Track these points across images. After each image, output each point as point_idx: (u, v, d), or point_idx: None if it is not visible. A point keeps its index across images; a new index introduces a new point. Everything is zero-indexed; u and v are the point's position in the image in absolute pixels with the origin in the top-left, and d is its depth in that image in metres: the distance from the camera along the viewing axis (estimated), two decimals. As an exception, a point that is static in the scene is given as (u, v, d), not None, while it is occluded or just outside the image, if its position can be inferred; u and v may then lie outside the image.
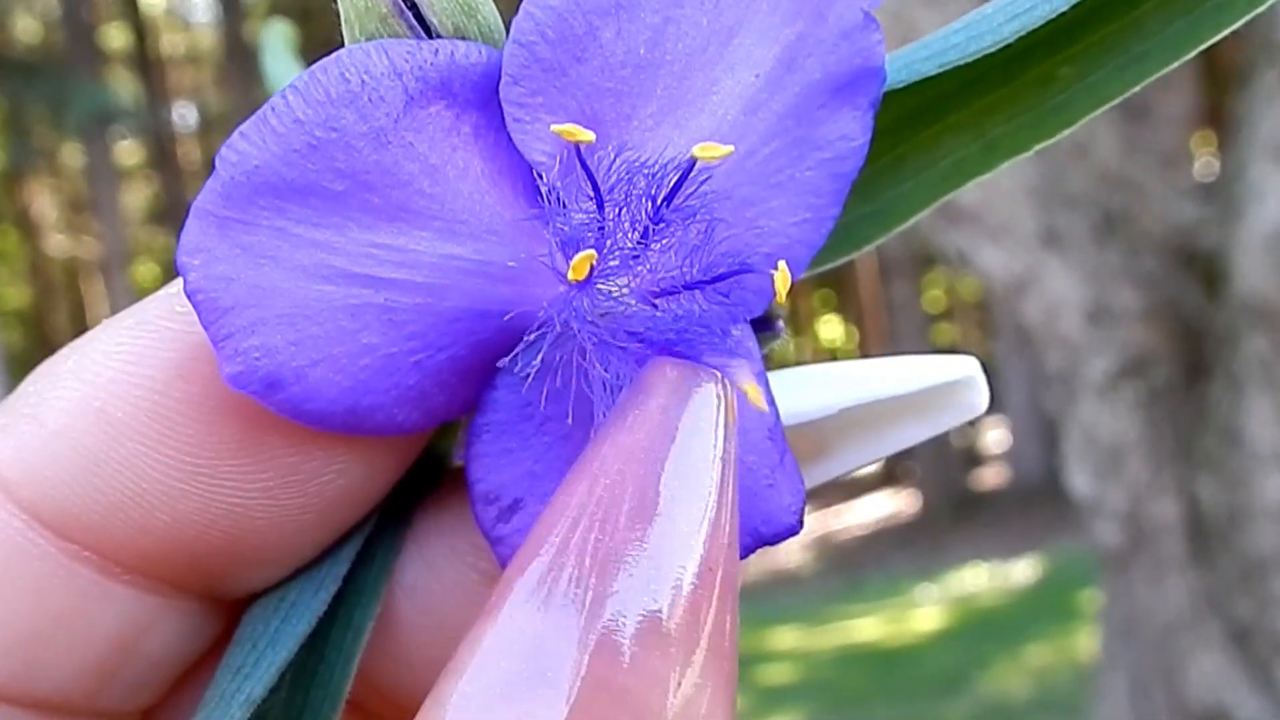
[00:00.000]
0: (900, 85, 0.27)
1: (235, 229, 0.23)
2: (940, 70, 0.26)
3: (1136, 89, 0.27)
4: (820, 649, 5.38)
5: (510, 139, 0.24)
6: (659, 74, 0.24)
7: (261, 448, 0.25)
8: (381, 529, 0.28)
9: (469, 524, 0.27)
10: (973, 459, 9.83)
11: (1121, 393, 1.98)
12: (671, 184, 0.24)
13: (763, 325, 0.26)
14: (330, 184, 0.23)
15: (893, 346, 8.56)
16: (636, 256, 0.24)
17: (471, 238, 0.24)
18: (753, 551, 0.26)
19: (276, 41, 0.52)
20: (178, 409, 0.25)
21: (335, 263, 0.23)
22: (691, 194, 0.24)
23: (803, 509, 0.26)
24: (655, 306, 0.24)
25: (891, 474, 10.00)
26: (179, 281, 0.24)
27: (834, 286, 11.37)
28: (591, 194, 0.23)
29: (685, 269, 0.24)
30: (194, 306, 0.23)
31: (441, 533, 0.28)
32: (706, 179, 0.24)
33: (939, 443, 8.43)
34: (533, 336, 0.24)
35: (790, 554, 8.20)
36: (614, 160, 0.24)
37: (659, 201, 0.24)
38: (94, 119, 7.29)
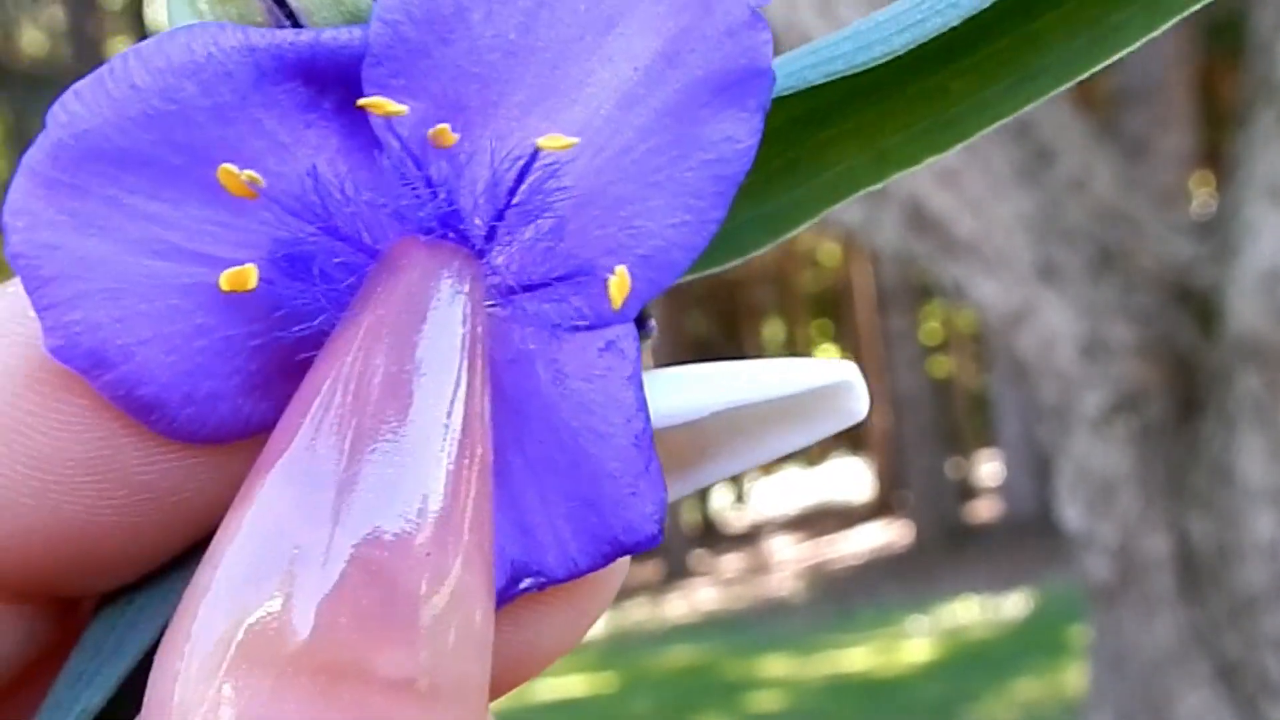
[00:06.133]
0: (785, 93, 0.26)
1: (63, 193, 0.21)
2: (827, 79, 0.25)
3: (1029, 107, 0.27)
4: (810, 678, 5.37)
5: (368, 121, 0.23)
6: (530, 61, 0.23)
7: (118, 464, 0.24)
8: None
9: None
10: (966, 491, 9.83)
11: (1114, 427, 1.99)
12: (513, 177, 0.22)
13: (637, 325, 0.25)
14: (167, 156, 0.21)
15: (889, 377, 8.57)
16: (482, 251, 0.22)
17: (317, 219, 0.22)
18: (611, 561, 0.25)
19: None
20: (27, 421, 0.23)
21: (169, 238, 0.22)
22: (536, 188, 0.22)
23: (664, 517, 0.25)
24: (508, 303, 0.23)
25: (885, 504, 10.00)
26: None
27: (831, 316, 11.39)
28: (426, 180, 0.22)
29: (529, 268, 0.23)
30: (16, 272, 0.22)
31: None
32: (554, 174, 0.23)
33: (933, 474, 8.43)
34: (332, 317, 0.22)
35: (782, 582, 8.19)
36: (455, 148, 0.22)
37: (503, 194, 0.22)
38: (97, 132, 7.29)
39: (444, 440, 0.20)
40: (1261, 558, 1.89)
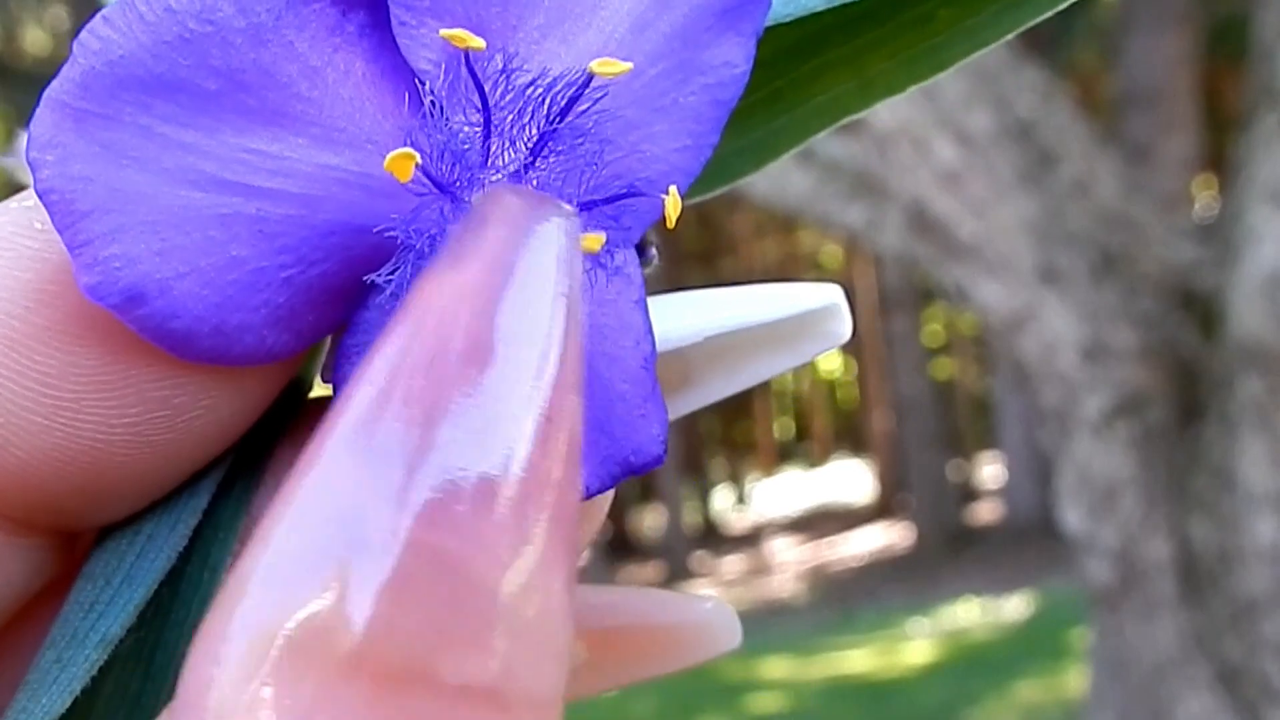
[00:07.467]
0: (786, 20, 0.26)
1: (94, 124, 0.21)
2: (828, 6, 0.26)
3: (1012, 35, 0.27)
4: (810, 680, 5.37)
5: (396, 43, 0.22)
6: None
7: (129, 381, 0.23)
8: (240, 460, 0.26)
9: None
10: (968, 494, 9.83)
11: (1116, 431, 1.99)
12: (566, 99, 0.22)
13: (639, 253, 0.25)
14: (202, 82, 0.21)
15: (891, 380, 8.57)
16: (518, 175, 0.22)
17: (349, 146, 0.22)
18: (618, 482, 0.24)
19: None
20: (37, 337, 0.23)
21: (204, 167, 0.22)
22: (585, 111, 0.22)
23: (667, 438, 0.25)
24: None
25: (886, 507, 9.99)
26: (33, 194, 0.22)
27: (833, 318, 11.36)
28: (479, 105, 0.22)
29: (572, 190, 0.22)
30: (47, 208, 0.21)
31: None
32: (602, 96, 0.23)
33: (934, 477, 8.43)
34: (406, 253, 0.22)
35: (782, 584, 8.19)
36: (502, 71, 0.22)
37: (552, 117, 0.22)
38: (101, 131, 7.30)
39: (529, 420, 0.18)
40: (1262, 562, 1.89)
